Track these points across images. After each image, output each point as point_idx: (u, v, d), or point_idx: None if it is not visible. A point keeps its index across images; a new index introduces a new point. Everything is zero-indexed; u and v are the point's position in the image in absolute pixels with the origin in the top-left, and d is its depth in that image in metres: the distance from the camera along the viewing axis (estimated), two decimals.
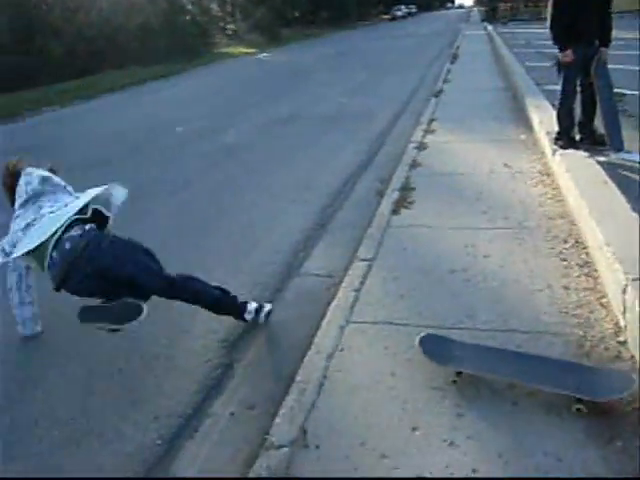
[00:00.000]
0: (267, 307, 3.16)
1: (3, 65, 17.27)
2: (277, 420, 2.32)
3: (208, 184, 5.94)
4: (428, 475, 1.95)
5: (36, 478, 2.28)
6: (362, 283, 3.28)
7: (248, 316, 3.09)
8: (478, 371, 2.41)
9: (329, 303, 3.17)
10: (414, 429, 2.17)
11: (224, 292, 3.08)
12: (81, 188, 3.16)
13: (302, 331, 3.02)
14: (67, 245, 2.73)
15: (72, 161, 7.50)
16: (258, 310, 3.11)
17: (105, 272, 2.74)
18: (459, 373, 2.39)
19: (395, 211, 4.34)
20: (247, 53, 23.93)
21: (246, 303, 3.11)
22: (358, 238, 4.00)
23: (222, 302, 3.05)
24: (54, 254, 2.75)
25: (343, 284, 3.32)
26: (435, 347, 2.55)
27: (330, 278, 3.60)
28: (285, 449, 2.16)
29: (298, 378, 2.53)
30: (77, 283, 2.76)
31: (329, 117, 8.90)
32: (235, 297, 3.10)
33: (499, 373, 2.39)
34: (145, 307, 2.73)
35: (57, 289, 2.80)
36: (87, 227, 2.84)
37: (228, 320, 3.17)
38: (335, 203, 4.98)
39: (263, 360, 2.88)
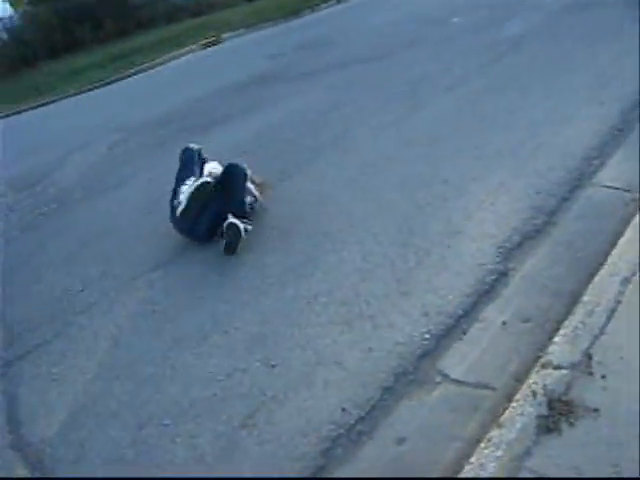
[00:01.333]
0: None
1: None
2: (556, 339, 2.14)
3: (488, 79, 5.50)
4: None
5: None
6: None
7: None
8: None
9: (627, 220, 2.74)
10: None
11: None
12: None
13: (591, 247, 2.69)
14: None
15: (351, 55, 7.72)
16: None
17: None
18: None
19: None
20: None
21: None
22: None
23: None
24: None
25: None
26: None
27: (628, 192, 3.09)
28: (564, 371, 1.99)
29: (585, 298, 2.28)
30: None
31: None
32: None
33: None
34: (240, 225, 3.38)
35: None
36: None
37: (506, 225, 3.00)
38: None
39: (542, 272, 2.64)
